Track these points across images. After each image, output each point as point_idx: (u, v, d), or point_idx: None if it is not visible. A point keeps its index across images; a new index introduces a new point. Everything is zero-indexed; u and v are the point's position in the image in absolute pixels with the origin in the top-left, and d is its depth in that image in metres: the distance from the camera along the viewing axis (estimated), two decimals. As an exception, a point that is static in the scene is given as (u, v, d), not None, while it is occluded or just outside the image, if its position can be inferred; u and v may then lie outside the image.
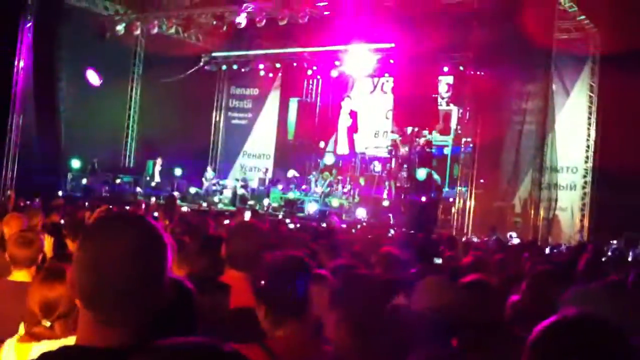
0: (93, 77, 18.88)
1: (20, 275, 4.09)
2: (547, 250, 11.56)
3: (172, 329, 1.70)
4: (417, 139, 18.87)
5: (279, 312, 2.46)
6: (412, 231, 13.29)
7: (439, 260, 6.33)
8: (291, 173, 21.99)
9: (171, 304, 1.69)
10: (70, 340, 2.33)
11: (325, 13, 18.14)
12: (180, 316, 1.82)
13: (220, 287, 3.16)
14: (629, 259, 10.80)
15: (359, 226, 15.01)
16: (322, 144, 23.49)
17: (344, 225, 13.99)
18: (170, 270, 1.69)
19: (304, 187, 21.58)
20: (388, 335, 2.42)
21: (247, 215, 12.71)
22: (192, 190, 22.74)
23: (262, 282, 2.52)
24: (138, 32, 21.56)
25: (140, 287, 1.62)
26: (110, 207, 9.57)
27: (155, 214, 10.56)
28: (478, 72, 16.17)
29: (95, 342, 1.61)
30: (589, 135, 18.50)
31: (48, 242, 5.26)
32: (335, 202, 19.80)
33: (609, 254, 10.33)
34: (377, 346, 2.40)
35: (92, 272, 1.61)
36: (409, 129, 18.83)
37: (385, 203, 18.67)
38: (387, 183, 19.95)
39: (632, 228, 15.15)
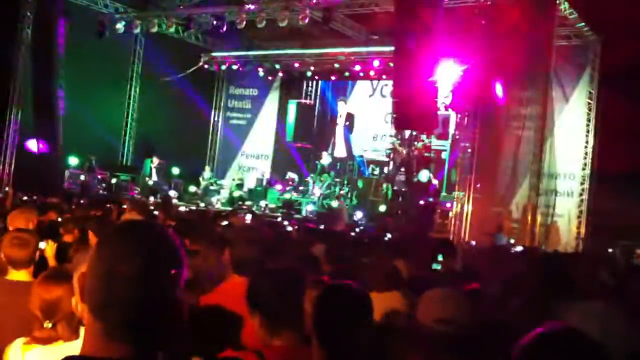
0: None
1: (18, 275, 4.07)
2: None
3: (170, 339, 1.70)
4: (416, 143, 18.91)
5: (274, 322, 2.46)
6: (409, 235, 13.31)
7: (437, 267, 6.30)
8: (290, 175, 21.97)
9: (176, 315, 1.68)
10: (74, 345, 2.34)
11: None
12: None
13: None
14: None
15: (356, 229, 15.02)
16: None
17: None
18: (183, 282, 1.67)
19: (301, 188, 21.59)
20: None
21: (248, 218, 12.70)
22: (190, 189, 22.74)
23: (258, 292, 2.53)
24: (138, 30, 21.53)
25: (156, 299, 1.60)
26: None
27: (156, 212, 10.53)
28: (477, 75, 16.16)
29: (101, 353, 1.58)
30: (587, 142, 18.51)
31: (50, 248, 5.23)
32: (334, 204, 19.81)
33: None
34: None
35: (107, 283, 1.58)
36: (407, 133, 18.87)
37: (382, 208, 18.68)
38: (384, 186, 19.96)
39: (628, 237, 15.18)
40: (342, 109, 23.68)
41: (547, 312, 3.17)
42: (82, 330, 2.29)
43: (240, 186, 22.45)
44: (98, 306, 1.60)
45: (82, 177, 20.81)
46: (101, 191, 20.72)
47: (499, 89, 15.51)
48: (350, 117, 23.45)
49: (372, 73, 21.48)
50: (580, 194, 18.50)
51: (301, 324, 2.50)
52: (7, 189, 17.13)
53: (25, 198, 13.83)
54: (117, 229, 1.72)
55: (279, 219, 17.35)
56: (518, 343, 1.69)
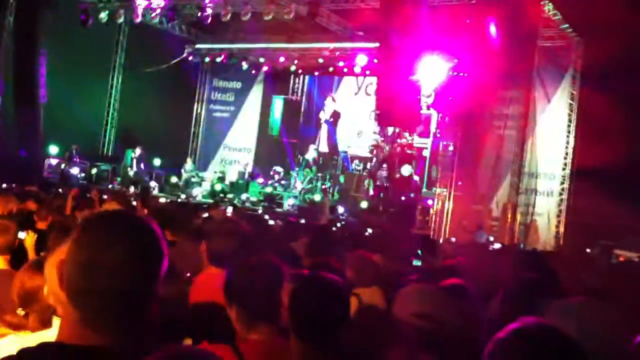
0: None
1: (-6, 262, 4.04)
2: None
3: (147, 329, 1.68)
4: (398, 140, 18.95)
5: (251, 315, 2.44)
6: (390, 231, 13.35)
7: (418, 263, 6.32)
8: (276, 169, 21.91)
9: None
10: (44, 334, 2.31)
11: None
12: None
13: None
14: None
15: (338, 224, 15.03)
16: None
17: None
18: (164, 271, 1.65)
19: (283, 182, 21.57)
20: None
21: (229, 210, 12.66)
22: (171, 181, 22.63)
23: (236, 285, 2.51)
24: (121, 20, 21.37)
25: (136, 290, 1.58)
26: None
27: (134, 203, 10.48)
28: (461, 75, 16.24)
29: (78, 341, 1.56)
30: (567, 143, 18.66)
31: (30, 238, 5.18)
32: (317, 198, 19.82)
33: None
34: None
35: (86, 270, 1.56)
36: (390, 130, 18.91)
37: (364, 203, 18.71)
38: (366, 182, 19.99)
39: (607, 237, 15.32)
40: (330, 106, 23.64)
41: (527, 310, 3.19)
42: (55, 320, 2.26)
43: (221, 179, 22.38)
44: (77, 294, 1.57)
45: (62, 166, 20.63)
46: (81, 181, 20.53)
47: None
48: (335, 114, 23.45)
49: (357, 70, 21.48)
50: (560, 194, 18.65)
51: (279, 317, 2.48)
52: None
53: (4, 186, 13.70)
54: (99, 217, 1.69)
55: (260, 212, 17.34)
56: (493, 338, 1.70)
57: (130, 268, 1.57)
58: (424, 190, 18.97)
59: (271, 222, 10.96)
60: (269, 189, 21.32)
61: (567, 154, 18.61)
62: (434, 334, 2.37)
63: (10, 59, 19.10)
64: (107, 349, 1.54)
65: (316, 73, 23.36)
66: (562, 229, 18.48)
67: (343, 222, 16.76)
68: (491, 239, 15.42)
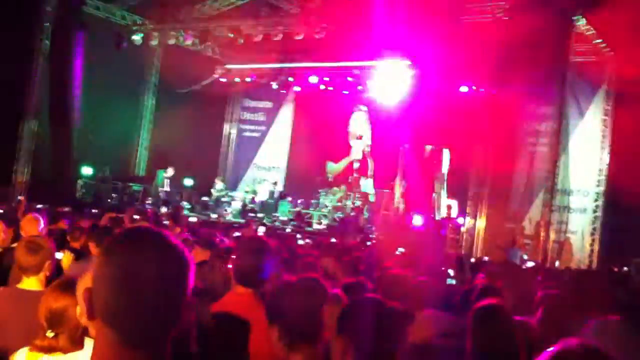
0: None
1: (29, 283, 4.05)
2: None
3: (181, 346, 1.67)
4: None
5: (293, 336, 2.40)
6: (420, 251, 13.22)
7: (452, 282, 6.24)
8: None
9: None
10: (76, 356, 2.31)
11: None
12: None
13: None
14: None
15: (368, 243, 14.96)
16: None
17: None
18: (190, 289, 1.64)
19: (313, 201, 21.56)
20: None
21: (261, 230, 12.69)
22: (202, 200, 22.78)
23: (278, 304, 2.46)
24: (155, 42, 21.71)
25: (167, 307, 1.57)
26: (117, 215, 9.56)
27: (166, 222, 10.56)
28: (492, 92, 16.12)
29: None
30: (601, 159, 18.38)
31: (67, 258, 5.21)
32: (346, 217, 19.75)
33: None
34: None
35: (117, 289, 1.54)
36: (429, 148, 18.72)
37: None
38: (396, 200, 19.85)
39: (642, 254, 15.03)
40: (357, 124, 23.55)
41: (563, 329, 3.12)
42: (87, 341, 2.26)
43: (252, 198, 22.44)
44: (111, 314, 1.55)
45: (96, 187, 20.90)
46: (113, 202, 20.77)
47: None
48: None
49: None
50: (594, 211, 18.35)
51: (320, 339, 2.44)
52: (19, 197, 17.20)
53: (39, 206, 13.88)
54: (127, 235, 1.67)
55: (289, 231, 17.35)
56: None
57: (160, 284, 1.55)
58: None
59: (300, 242, 10.97)
60: (299, 208, 21.33)
61: (600, 170, 18.32)
62: (462, 352, 2.33)
63: (45, 82, 19.47)
64: None
65: (345, 92, 23.30)
66: (596, 247, 18.16)
67: (373, 241, 16.67)
68: (525, 257, 15.19)
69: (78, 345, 2.32)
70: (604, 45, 17.79)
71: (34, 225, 6.09)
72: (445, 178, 17.61)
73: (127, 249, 1.59)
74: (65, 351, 2.57)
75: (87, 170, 21.09)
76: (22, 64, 19.50)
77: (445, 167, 17.37)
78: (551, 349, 1.69)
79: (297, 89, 24.83)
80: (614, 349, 1.84)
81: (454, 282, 6.30)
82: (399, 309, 2.55)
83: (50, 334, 2.70)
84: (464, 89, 20.01)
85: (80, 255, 5.66)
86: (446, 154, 17.15)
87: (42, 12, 19.62)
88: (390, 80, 18.96)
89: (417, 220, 15.80)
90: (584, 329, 2.20)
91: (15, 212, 10.82)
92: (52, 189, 17.63)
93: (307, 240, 11.70)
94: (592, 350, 1.69)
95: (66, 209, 12.44)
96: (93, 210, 14.05)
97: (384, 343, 2.35)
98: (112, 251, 1.60)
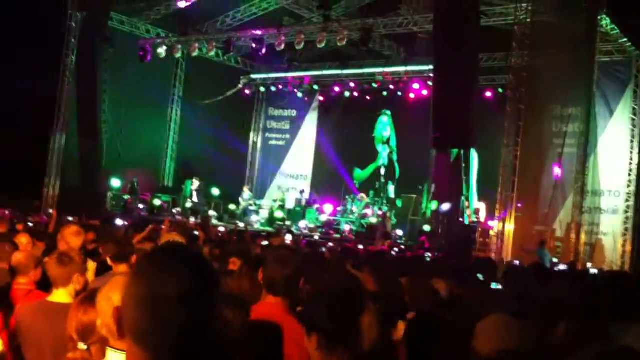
0: None
1: (59, 295, 4.09)
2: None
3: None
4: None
5: (333, 343, 2.38)
6: (448, 255, 13.14)
7: (498, 286, 6.12)
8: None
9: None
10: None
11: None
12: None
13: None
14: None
15: (395, 249, 14.89)
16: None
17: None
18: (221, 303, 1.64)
19: (339, 208, 21.55)
20: None
21: (288, 238, 12.69)
22: (229, 210, 22.88)
23: (317, 310, 2.44)
24: (179, 54, 21.93)
25: (198, 326, 1.57)
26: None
27: (196, 232, 10.61)
28: (517, 95, 15.95)
29: None
30: (631, 159, 18.12)
31: (91, 268, 5.26)
32: (374, 222, 19.71)
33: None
34: None
35: (149, 308, 1.54)
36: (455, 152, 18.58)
37: (426, 227, 18.32)
38: (424, 205, 19.75)
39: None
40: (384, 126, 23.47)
41: (598, 335, 3.07)
42: (108, 352, 2.29)
43: (282, 207, 22.49)
44: (141, 333, 1.56)
45: (125, 199, 21.12)
46: (142, 213, 20.96)
47: None
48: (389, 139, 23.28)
49: (411, 95, 21.44)
50: (626, 211, 18.08)
51: (360, 344, 2.42)
52: (51, 211, 17.45)
53: (70, 219, 14.06)
54: (152, 254, 1.70)
55: (317, 239, 17.35)
56: None
57: (191, 300, 1.55)
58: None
59: (324, 249, 10.94)
60: (325, 215, 21.33)
61: (631, 170, 18.06)
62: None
63: (72, 97, 19.76)
64: None
65: (368, 97, 23.22)
66: (628, 248, 17.89)
67: (402, 246, 16.60)
68: (555, 260, 14.99)
69: (103, 356, 2.36)
70: (629, 44, 17.57)
71: (77, 238, 6.13)
72: (474, 181, 17.48)
73: (153, 268, 1.59)
74: (97, 361, 2.60)
75: (116, 183, 21.33)
76: (49, 80, 19.84)
77: (473, 170, 17.24)
78: (593, 353, 1.67)
79: (321, 97, 24.89)
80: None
81: (499, 287, 6.16)
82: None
83: (82, 346, 2.73)
84: (489, 92, 20.00)
85: (108, 267, 5.71)
86: (475, 157, 17.02)
87: (68, 28, 19.93)
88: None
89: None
90: (621, 334, 2.16)
91: (47, 226, 10.97)
92: (82, 202, 17.84)
93: (335, 248, 11.66)
94: (634, 356, 1.67)
95: (96, 222, 12.56)
96: (125, 222, 14.19)
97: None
98: (141, 271, 1.61)
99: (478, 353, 2.41)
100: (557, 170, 16.50)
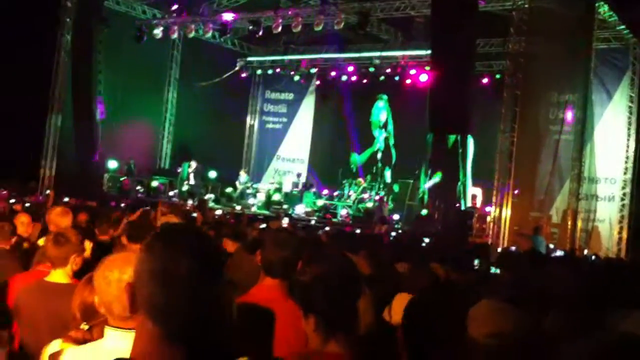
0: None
1: (56, 276, 4.08)
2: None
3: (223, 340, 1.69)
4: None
5: (331, 326, 2.39)
6: (447, 240, 13.17)
7: (497, 271, 6.14)
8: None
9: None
10: (96, 345, 2.35)
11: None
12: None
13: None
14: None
15: (393, 234, 14.93)
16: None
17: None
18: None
19: (336, 192, 21.54)
20: None
21: (285, 222, 12.72)
22: (226, 192, 22.86)
23: (313, 295, 2.44)
24: (175, 36, 21.81)
25: (211, 302, 1.62)
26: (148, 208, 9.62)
27: (194, 214, 10.64)
28: (514, 81, 15.92)
29: (158, 356, 1.59)
30: (627, 146, 18.14)
31: (87, 246, 5.25)
32: (370, 207, 19.72)
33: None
34: None
35: (159, 283, 1.59)
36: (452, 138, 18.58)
37: (424, 211, 18.33)
38: (421, 190, 19.74)
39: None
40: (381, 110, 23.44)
41: (596, 322, 3.07)
42: (107, 330, 2.30)
43: (278, 190, 22.47)
44: (153, 307, 1.60)
45: (121, 181, 21.08)
46: (139, 194, 20.93)
47: None
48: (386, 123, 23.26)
49: (408, 80, 21.40)
50: (622, 199, 18.13)
51: (356, 327, 2.44)
52: (48, 191, 17.43)
53: (66, 200, 14.05)
54: (166, 232, 1.75)
55: (313, 223, 17.36)
56: (580, 353, 1.64)
57: (203, 278, 1.60)
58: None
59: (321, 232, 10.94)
60: (323, 200, 21.34)
61: (627, 157, 18.08)
62: (508, 353, 2.31)
63: (67, 77, 19.63)
64: None
65: (365, 81, 23.17)
66: (624, 235, 17.96)
67: (399, 231, 16.63)
68: (551, 246, 15.03)
69: (102, 336, 2.37)
70: (627, 31, 17.54)
71: (64, 218, 6.14)
72: (470, 167, 17.47)
73: (167, 245, 1.64)
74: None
75: (112, 164, 21.29)
76: (44, 60, 19.70)
77: (470, 156, 17.22)
78: (594, 340, 1.66)
79: (318, 81, 24.84)
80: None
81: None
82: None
83: (85, 326, 2.74)
84: (485, 78, 19.97)
85: (106, 248, 5.72)
86: (471, 143, 16.99)
87: (63, 8, 19.77)
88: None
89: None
90: (621, 321, 2.16)
91: (44, 206, 10.96)
92: (79, 183, 17.81)
93: (329, 231, 11.66)
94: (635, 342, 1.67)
95: (92, 203, 12.56)
96: (121, 205, 14.18)
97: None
98: (153, 248, 1.65)
99: (471, 338, 2.43)
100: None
